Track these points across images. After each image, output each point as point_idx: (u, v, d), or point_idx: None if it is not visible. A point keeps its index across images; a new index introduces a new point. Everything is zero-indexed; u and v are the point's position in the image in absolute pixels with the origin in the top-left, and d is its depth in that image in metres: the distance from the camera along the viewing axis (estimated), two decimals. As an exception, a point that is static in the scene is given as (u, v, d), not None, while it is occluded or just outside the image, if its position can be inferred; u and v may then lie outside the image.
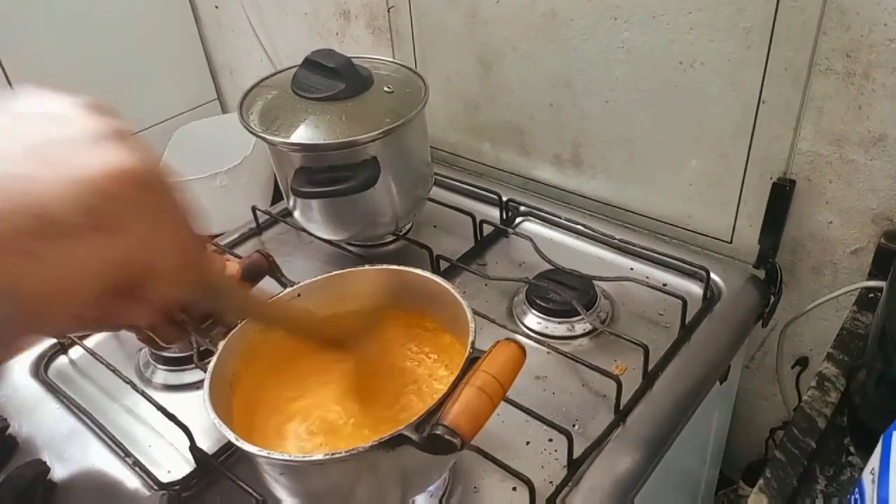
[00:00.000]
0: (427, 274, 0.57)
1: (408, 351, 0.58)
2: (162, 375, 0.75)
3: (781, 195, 0.78)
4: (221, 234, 0.98)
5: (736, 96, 0.76)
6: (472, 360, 0.46)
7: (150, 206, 0.32)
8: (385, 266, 0.59)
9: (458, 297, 0.53)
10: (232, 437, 0.45)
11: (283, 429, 0.53)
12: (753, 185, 0.80)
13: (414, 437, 0.42)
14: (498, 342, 0.46)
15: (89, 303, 0.31)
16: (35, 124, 0.30)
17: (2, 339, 0.29)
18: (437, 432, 0.41)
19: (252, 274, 0.55)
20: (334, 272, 0.59)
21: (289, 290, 0.57)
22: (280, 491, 0.50)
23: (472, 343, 0.49)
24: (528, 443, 0.64)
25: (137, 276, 0.33)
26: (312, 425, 0.52)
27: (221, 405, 0.48)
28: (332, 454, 0.43)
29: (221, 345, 0.52)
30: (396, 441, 0.43)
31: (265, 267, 0.57)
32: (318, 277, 0.58)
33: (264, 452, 0.44)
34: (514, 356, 0.46)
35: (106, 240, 0.30)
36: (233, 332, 0.53)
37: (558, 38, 0.87)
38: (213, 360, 0.51)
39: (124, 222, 0.30)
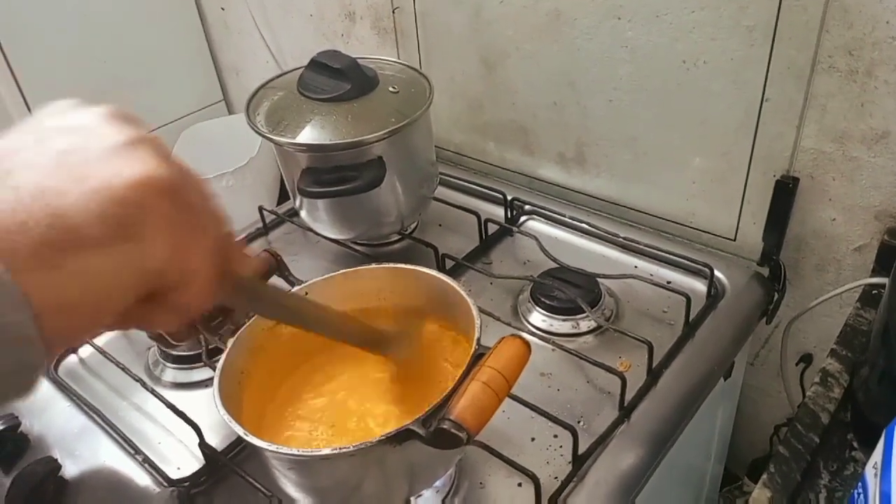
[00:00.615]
0: (433, 272, 0.57)
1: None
2: (171, 373, 0.75)
3: (785, 193, 0.78)
4: (228, 234, 0.98)
5: (739, 94, 0.77)
6: (478, 357, 0.47)
7: (177, 214, 0.31)
8: (392, 264, 0.59)
9: (465, 294, 0.54)
10: (241, 431, 0.46)
11: (293, 425, 0.53)
12: (757, 182, 0.80)
13: (420, 431, 0.43)
14: (503, 338, 0.47)
15: (117, 314, 0.31)
16: (61, 136, 0.30)
17: (27, 356, 0.27)
18: (444, 427, 0.42)
19: (260, 273, 0.55)
20: (342, 270, 0.59)
21: (297, 288, 0.58)
22: (288, 486, 0.50)
23: (478, 339, 0.49)
24: (533, 439, 0.64)
25: (166, 285, 0.32)
26: (321, 421, 0.53)
27: (231, 401, 0.49)
28: (340, 449, 0.44)
29: (231, 342, 0.53)
30: (403, 436, 0.44)
31: (273, 266, 0.58)
32: (326, 276, 0.59)
33: (273, 447, 0.45)
34: (519, 352, 0.46)
35: (133, 250, 0.30)
36: (242, 329, 0.54)
37: (562, 38, 0.87)
38: (223, 357, 0.52)
39: (151, 231, 0.30)
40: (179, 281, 0.33)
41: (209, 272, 0.34)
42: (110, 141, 0.30)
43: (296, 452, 0.45)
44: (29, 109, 1.27)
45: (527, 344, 0.47)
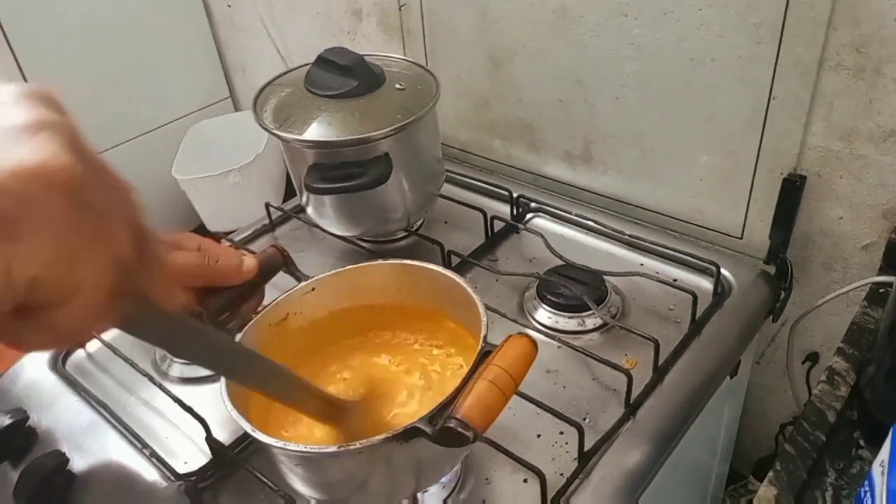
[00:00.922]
0: (440, 269, 0.57)
1: (418, 345, 0.59)
2: (178, 368, 0.76)
3: (792, 191, 0.78)
4: (234, 231, 0.99)
5: (746, 92, 0.76)
6: (485, 354, 0.47)
7: (70, 214, 0.26)
8: (399, 261, 0.59)
9: (471, 292, 0.54)
10: (248, 427, 0.46)
11: (300, 421, 0.53)
12: (764, 180, 0.80)
13: (427, 429, 0.43)
14: (510, 336, 0.47)
15: None
16: None
17: None
18: (450, 425, 0.42)
19: (267, 268, 0.55)
20: (349, 266, 0.59)
21: (303, 283, 0.58)
22: (295, 481, 0.51)
23: (485, 337, 0.49)
24: (539, 435, 0.65)
25: (41, 298, 0.27)
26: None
27: (238, 397, 0.49)
28: (347, 446, 0.44)
29: (238, 338, 0.53)
30: (410, 433, 0.44)
31: (280, 261, 0.58)
32: (333, 272, 0.59)
33: (280, 443, 0.45)
34: (525, 350, 0.46)
35: (10, 249, 0.25)
36: (248, 325, 0.54)
37: (569, 36, 0.87)
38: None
39: (28, 230, 0.25)
40: (58, 297, 0.27)
41: (99, 292, 0.28)
42: (12, 121, 0.26)
43: (303, 449, 0.46)
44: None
45: (534, 343, 0.47)
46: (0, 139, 0.25)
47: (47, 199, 0.25)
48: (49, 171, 0.25)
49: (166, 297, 0.35)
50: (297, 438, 0.53)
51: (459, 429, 0.42)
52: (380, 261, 0.60)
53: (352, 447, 0.44)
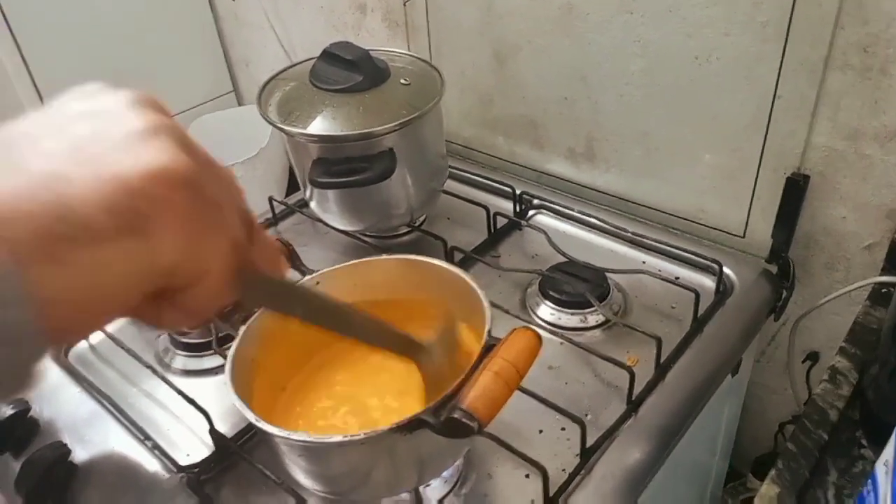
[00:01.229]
0: (444, 264, 0.57)
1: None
2: (181, 361, 0.76)
3: (795, 190, 0.78)
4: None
5: (751, 91, 0.76)
6: (489, 348, 0.47)
7: (192, 209, 0.29)
8: (403, 256, 0.59)
9: (475, 286, 0.54)
10: (252, 417, 0.46)
11: (304, 413, 0.53)
12: (767, 179, 0.80)
13: (431, 420, 0.43)
14: (514, 330, 0.47)
15: (125, 310, 0.30)
16: (82, 121, 0.29)
17: (24, 353, 0.26)
18: (455, 416, 0.42)
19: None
20: (354, 261, 0.59)
21: (308, 277, 0.58)
22: (298, 473, 0.51)
23: (489, 331, 0.49)
24: (541, 431, 0.65)
25: (176, 284, 0.30)
26: (333, 409, 0.53)
27: (242, 388, 0.49)
28: (351, 436, 0.44)
29: (242, 329, 0.53)
30: (414, 424, 0.44)
31: (284, 255, 0.58)
32: (338, 266, 0.59)
33: (284, 433, 0.45)
34: (530, 343, 0.46)
35: (142, 245, 0.28)
36: (252, 318, 0.54)
37: (574, 32, 0.87)
38: (234, 344, 0.52)
39: (161, 226, 0.28)
40: (191, 280, 0.31)
41: (224, 272, 0.32)
42: (129, 127, 0.29)
43: (306, 439, 0.46)
44: (41, 100, 1.27)
45: (538, 336, 0.47)
46: (125, 144, 0.28)
47: (171, 196, 0.28)
48: (172, 171, 0.28)
49: (272, 266, 0.39)
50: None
51: (464, 419, 0.42)
52: (385, 256, 0.60)
53: (355, 437, 0.44)
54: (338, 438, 0.44)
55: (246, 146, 1.30)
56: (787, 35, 0.71)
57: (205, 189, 0.30)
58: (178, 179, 0.28)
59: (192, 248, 0.30)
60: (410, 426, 0.44)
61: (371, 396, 0.55)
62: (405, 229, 0.93)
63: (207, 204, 0.30)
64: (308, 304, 0.45)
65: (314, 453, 0.48)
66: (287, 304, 0.43)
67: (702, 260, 0.82)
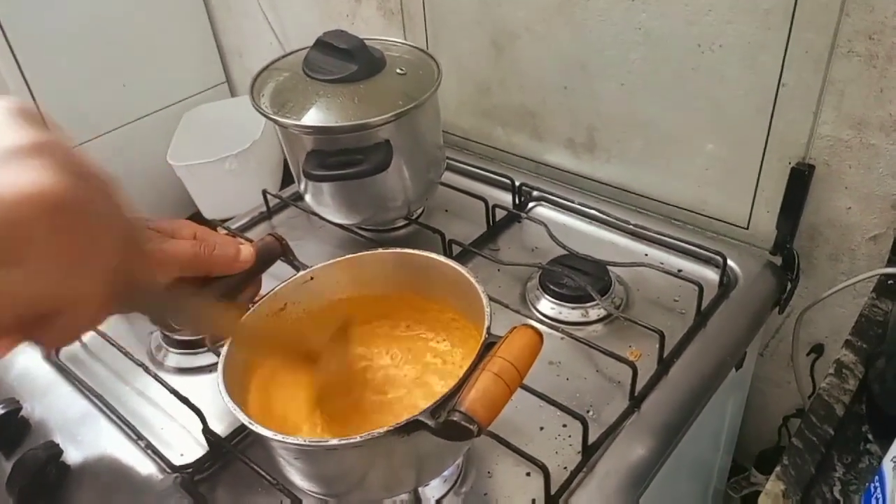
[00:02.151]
0: (442, 258, 0.56)
1: (416, 334, 0.58)
2: (174, 358, 0.75)
3: (800, 180, 0.77)
4: (231, 218, 0.97)
5: (755, 80, 0.75)
6: (489, 346, 0.46)
7: (69, 234, 0.28)
8: (400, 250, 0.58)
9: (474, 281, 0.53)
10: (246, 420, 0.45)
11: (299, 413, 0.52)
12: (771, 170, 0.79)
13: (430, 422, 0.42)
14: (515, 328, 0.46)
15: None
16: None
17: None
18: (454, 419, 0.41)
19: (265, 257, 0.54)
20: (348, 255, 0.58)
21: (302, 273, 0.57)
22: (294, 474, 0.50)
23: (488, 328, 0.48)
24: (542, 428, 0.64)
25: (52, 308, 0.29)
26: (328, 409, 0.52)
27: (235, 389, 0.48)
28: (347, 439, 0.43)
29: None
30: (412, 427, 0.43)
31: (278, 250, 0.56)
32: (332, 260, 0.58)
33: (279, 437, 0.44)
34: (531, 342, 0.45)
35: (12, 274, 0.26)
36: (246, 315, 0.53)
37: (574, 20, 0.85)
38: (227, 343, 0.51)
39: (35, 255, 0.27)
40: (67, 305, 0.30)
41: (98, 297, 0.31)
42: (6, 143, 0.27)
43: (302, 442, 0.45)
44: (30, 91, 1.25)
45: (539, 334, 0.46)
46: (0, 164, 0.26)
47: (48, 221, 0.26)
48: (48, 195, 0.26)
49: (151, 279, 0.38)
50: (296, 430, 0.51)
51: (463, 422, 0.41)
52: (380, 250, 0.59)
53: (352, 440, 0.42)
54: (334, 442, 0.43)
55: (239, 138, 1.28)
56: (792, 22, 0.70)
57: (84, 211, 0.28)
58: (54, 204, 0.27)
59: (68, 276, 0.28)
60: (408, 428, 0.42)
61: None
62: (402, 222, 0.92)
63: (86, 228, 0.29)
64: (195, 312, 0.46)
65: (310, 456, 0.47)
66: (163, 313, 0.44)
67: (705, 252, 0.81)
